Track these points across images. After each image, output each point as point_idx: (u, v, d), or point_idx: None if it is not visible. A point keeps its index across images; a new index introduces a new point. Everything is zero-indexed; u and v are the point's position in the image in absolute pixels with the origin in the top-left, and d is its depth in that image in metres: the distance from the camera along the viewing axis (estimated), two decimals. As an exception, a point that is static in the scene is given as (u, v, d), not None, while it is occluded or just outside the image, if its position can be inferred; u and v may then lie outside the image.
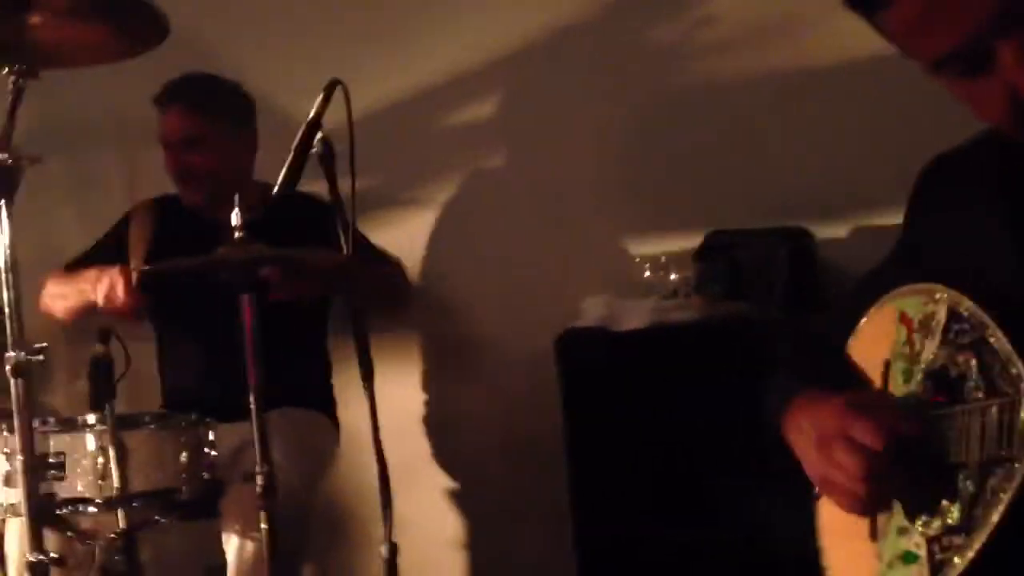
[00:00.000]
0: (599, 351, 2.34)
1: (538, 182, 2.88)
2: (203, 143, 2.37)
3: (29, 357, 1.56)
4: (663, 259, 2.44)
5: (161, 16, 1.69)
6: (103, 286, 2.15)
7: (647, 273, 2.42)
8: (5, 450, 1.78)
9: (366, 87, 2.01)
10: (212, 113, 2.39)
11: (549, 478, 2.55)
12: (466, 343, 2.96)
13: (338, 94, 1.75)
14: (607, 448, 2.28)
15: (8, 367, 1.56)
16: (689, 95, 2.71)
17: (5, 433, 1.76)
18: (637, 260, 2.53)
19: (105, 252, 2.41)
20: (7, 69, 1.61)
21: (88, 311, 2.25)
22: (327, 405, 2.56)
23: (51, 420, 1.86)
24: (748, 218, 2.51)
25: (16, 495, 1.78)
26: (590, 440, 2.31)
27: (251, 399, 1.85)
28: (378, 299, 2.45)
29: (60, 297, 2.34)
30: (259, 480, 1.85)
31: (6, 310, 1.56)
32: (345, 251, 1.82)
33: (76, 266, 2.38)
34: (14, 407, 1.56)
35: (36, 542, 1.59)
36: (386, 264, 2.57)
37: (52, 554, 1.62)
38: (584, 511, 2.29)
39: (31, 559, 1.59)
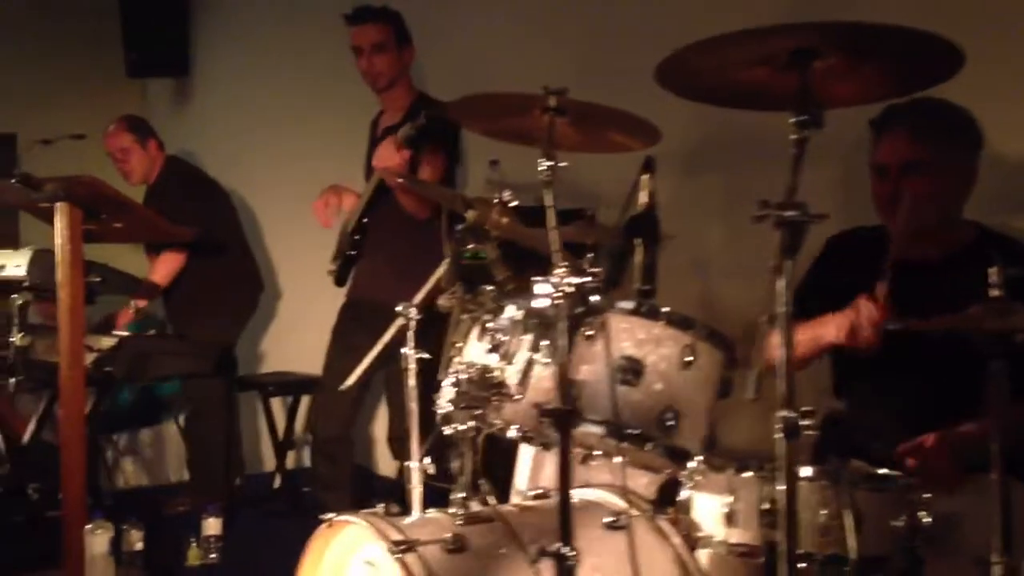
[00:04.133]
0: None
1: None
2: (922, 169, 2.20)
3: (798, 419, 1.53)
4: None
5: (959, 54, 1.54)
6: (853, 317, 2.09)
7: None
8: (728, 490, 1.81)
9: None
10: (936, 139, 2.21)
11: None
12: None
13: None
14: None
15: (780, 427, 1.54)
16: None
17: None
18: None
19: (818, 290, 2.30)
20: (793, 119, 1.57)
21: (816, 356, 2.23)
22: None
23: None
24: None
25: (737, 535, 1.83)
26: None
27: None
28: None
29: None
30: (997, 572, 1.66)
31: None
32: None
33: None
34: (782, 464, 1.55)
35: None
36: None
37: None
38: None
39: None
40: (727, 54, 1.61)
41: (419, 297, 2.43)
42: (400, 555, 1.75)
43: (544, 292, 1.58)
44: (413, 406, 2.30)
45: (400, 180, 3.06)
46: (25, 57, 5.79)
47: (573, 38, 3.53)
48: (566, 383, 1.59)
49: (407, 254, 3.29)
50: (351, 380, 2.61)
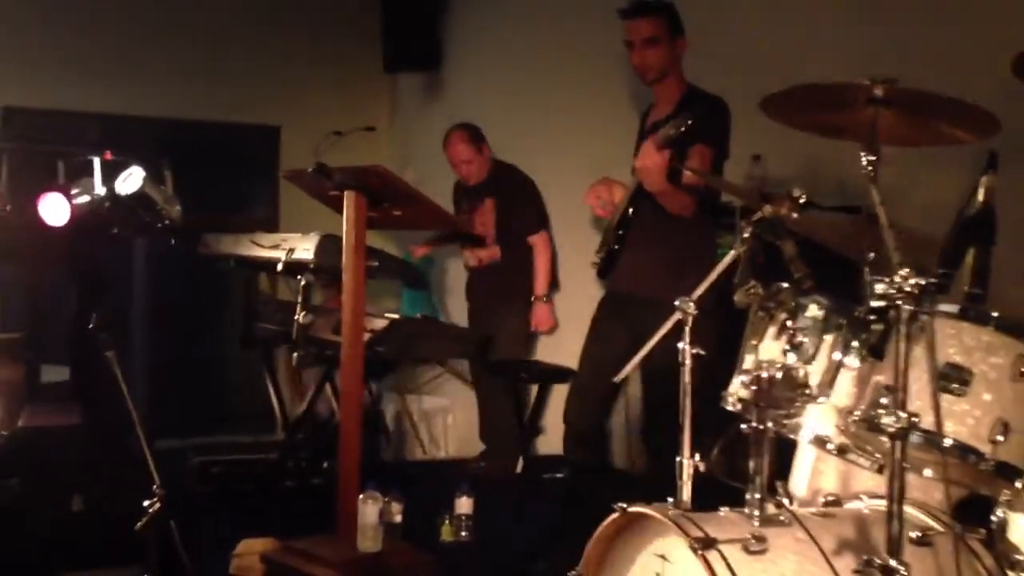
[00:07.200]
0: None
1: None
2: None
3: None
4: None
5: None
6: None
7: None
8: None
9: None
10: None
11: None
12: None
13: None
14: None
15: None
16: None
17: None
18: None
19: None
20: None
21: None
22: None
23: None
24: None
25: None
26: None
27: None
28: None
29: None
30: None
31: None
32: None
33: None
34: None
35: None
36: None
37: None
38: None
39: None
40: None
41: (698, 292, 2.39)
42: (703, 552, 1.72)
43: (882, 292, 1.51)
44: (687, 402, 2.27)
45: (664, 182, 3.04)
46: (291, 52, 6.13)
47: (868, 20, 3.37)
48: (902, 392, 1.50)
49: (671, 250, 3.27)
50: (624, 372, 2.61)
